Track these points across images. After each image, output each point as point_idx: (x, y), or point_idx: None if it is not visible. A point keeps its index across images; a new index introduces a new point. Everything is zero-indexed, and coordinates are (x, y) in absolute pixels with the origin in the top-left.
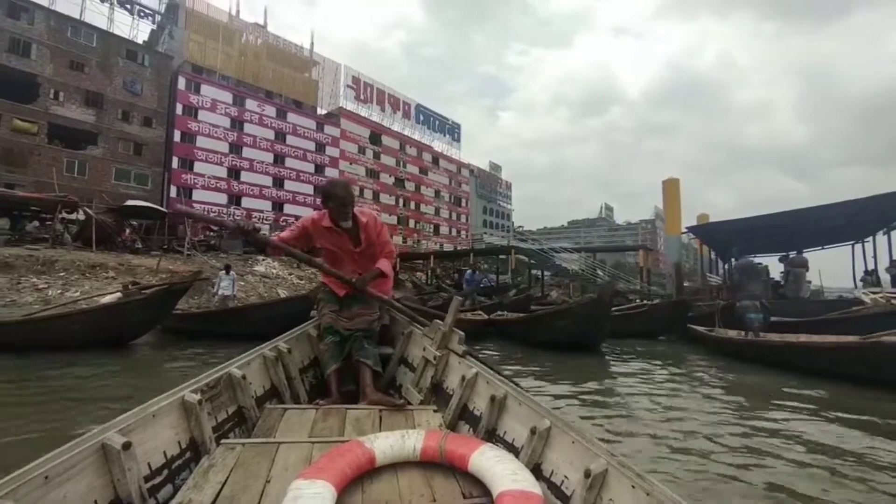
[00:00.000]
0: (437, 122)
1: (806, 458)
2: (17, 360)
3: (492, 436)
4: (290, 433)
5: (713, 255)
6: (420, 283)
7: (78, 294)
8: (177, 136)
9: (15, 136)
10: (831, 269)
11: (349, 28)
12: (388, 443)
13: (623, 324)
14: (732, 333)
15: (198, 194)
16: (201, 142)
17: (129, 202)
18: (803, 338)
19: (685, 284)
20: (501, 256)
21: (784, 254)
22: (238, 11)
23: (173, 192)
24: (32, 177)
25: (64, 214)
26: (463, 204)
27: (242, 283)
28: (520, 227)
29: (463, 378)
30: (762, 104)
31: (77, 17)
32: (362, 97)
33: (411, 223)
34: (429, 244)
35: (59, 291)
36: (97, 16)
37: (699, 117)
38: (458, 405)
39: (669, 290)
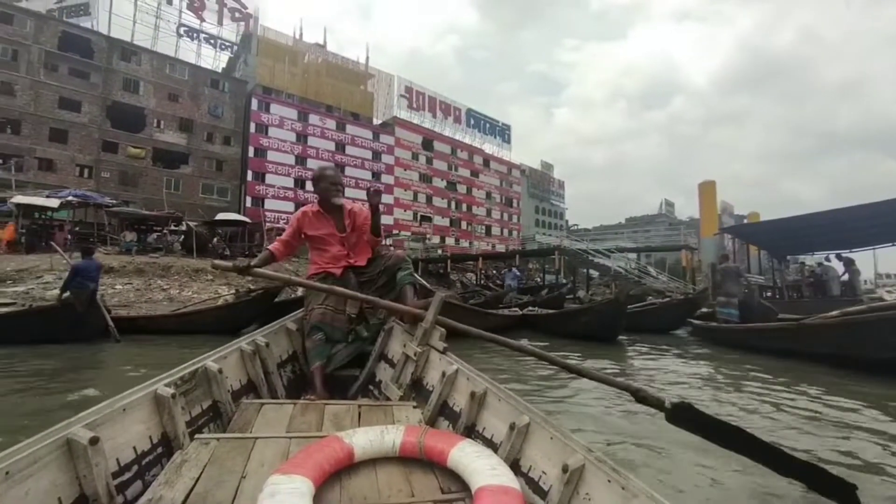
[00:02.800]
0: (487, 125)
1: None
2: (170, 340)
3: (471, 432)
4: (267, 428)
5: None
6: (469, 283)
7: (190, 293)
8: (251, 151)
9: (128, 160)
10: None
11: (404, 36)
12: (367, 438)
13: (639, 320)
14: (714, 325)
15: (269, 203)
16: (271, 156)
17: (220, 215)
18: (758, 325)
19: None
20: (551, 257)
21: (836, 252)
22: (301, 34)
23: (248, 202)
24: (142, 194)
25: (172, 227)
26: (514, 204)
27: None
28: (574, 225)
29: (443, 374)
30: (855, 81)
31: (173, 54)
32: (415, 105)
33: (463, 225)
34: (480, 245)
35: (177, 291)
36: (188, 52)
37: (778, 101)
38: (437, 401)
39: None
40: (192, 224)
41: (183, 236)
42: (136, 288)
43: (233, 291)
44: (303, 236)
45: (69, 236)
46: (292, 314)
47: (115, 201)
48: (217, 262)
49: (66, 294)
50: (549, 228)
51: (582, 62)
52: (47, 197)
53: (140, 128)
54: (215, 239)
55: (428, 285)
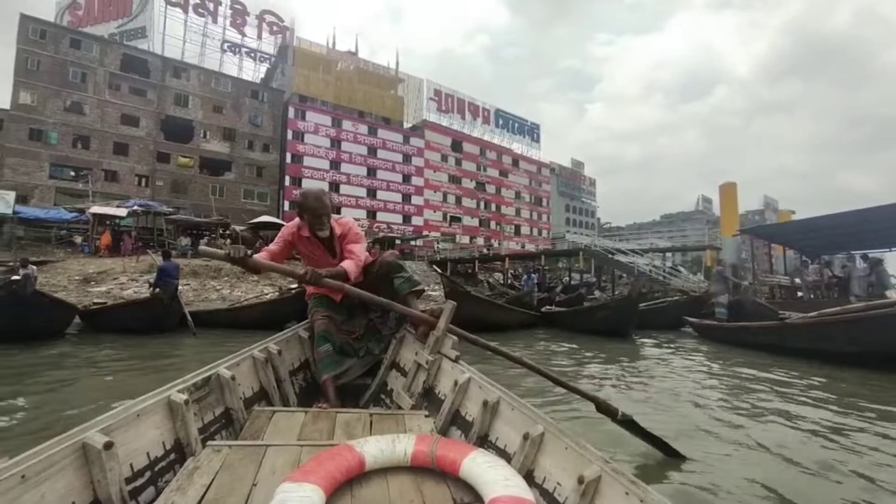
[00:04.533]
0: (516, 125)
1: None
2: (221, 332)
3: (484, 441)
4: (279, 436)
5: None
6: (495, 283)
7: (239, 293)
8: (288, 157)
9: (179, 169)
10: None
11: (434, 37)
12: (378, 447)
13: (651, 317)
14: (707, 322)
15: None
16: (307, 161)
17: (263, 218)
18: (748, 324)
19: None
20: (574, 258)
21: (863, 252)
22: (334, 43)
23: (286, 206)
24: (191, 200)
25: (221, 231)
26: (544, 203)
27: None
28: (607, 223)
29: (455, 383)
30: None
31: (217, 69)
32: (444, 108)
33: (492, 225)
34: (509, 245)
35: (228, 291)
36: (231, 65)
37: (832, 87)
38: (449, 410)
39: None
40: (238, 229)
41: (229, 240)
42: (193, 289)
43: (276, 291)
44: (294, 252)
45: (134, 241)
46: (305, 322)
47: (171, 209)
48: (204, 248)
49: (157, 290)
50: (581, 227)
51: (615, 56)
52: (117, 206)
53: (189, 139)
54: (258, 242)
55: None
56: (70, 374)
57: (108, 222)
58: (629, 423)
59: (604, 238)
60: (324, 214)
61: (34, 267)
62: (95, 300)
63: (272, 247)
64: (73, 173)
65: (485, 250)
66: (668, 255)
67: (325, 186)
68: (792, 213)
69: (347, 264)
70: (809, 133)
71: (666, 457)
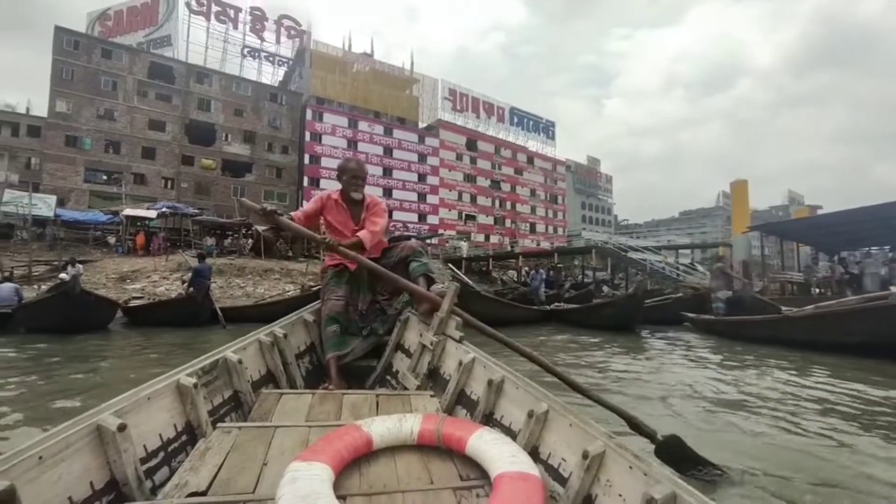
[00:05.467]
0: (531, 123)
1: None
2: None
3: (489, 420)
4: (287, 417)
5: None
6: (508, 280)
7: (262, 290)
8: (306, 159)
9: (202, 171)
10: None
11: (450, 36)
12: (385, 426)
13: (655, 313)
14: (704, 317)
15: None
16: (325, 162)
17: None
18: (745, 318)
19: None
20: (587, 256)
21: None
22: (350, 46)
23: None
24: (214, 201)
25: (244, 232)
26: (559, 201)
27: None
28: (624, 220)
29: (460, 363)
30: None
31: (238, 73)
32: (458, 107)
33: (507, 223)
34: (524, 243)
35: (252, 288)
36: (250, 70)
37: (866, 75)
38: (455, 390)
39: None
40: (260, 229)
41: (251, 240)
42: (219, 286)
43: (298, 288)
44: (321, 219)
45: (162, 241)
46: (309, 306)
47: (196, 210)
48: (243, 200)
49: (191, 289)
50: (597, 224)
51: (633, 51)
52: (147, 209)
53: (211, 142)
54: (279, 242)
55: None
56: (123, 355)
57: (138, 224)
58: (673, 446)
59: (620, 235)
60: (360, 177)
61: (80, 266)
62: (134, 296)
63: (303, 209)
64: (105, 177)
65: (509, 247)
66: (688, 251)
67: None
68: (818, 209)
69: (363, 233)
70: (840, 125)
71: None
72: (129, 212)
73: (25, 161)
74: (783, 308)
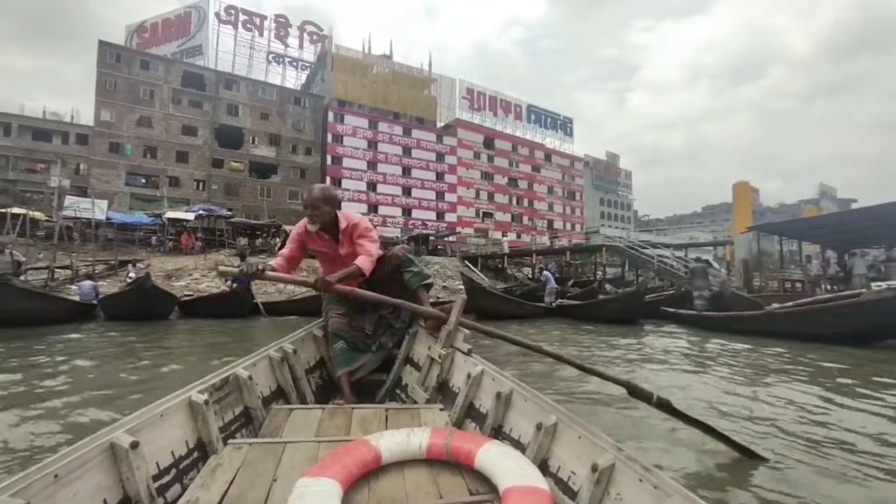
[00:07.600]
0: (548, 119)
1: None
2: (282, 320)
3: (498, 433)
4: (297, 433)
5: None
6: (522, 278)
7: (292, 287)
8: (328, 160)
9: (231, 174)
10: None
11: (469, 32)
12: (393, 441)
13: (655, 307)
14: (682, 311)
15: (345, 206)
16: (346, 162)
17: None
18: (735, 314)
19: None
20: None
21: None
22: (370, 48)
23: None
24: (242, 202)
25: (273, 231)
26: (577, 198)
27: None
28: (645, 216)
29: (469, 376)
30: None
31: (263, 79)
32: (476, 106)
33: (525, 220)
34: (539, 239)
35: (283, 285)
36: (275, 75)
37: None
38: (464, 403)
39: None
40: (286, 229)
41: (279, 241)
42: (254, 283)
43: None
44: (310, 250)
45: (198, 241)
46: (318, 321)
47: (229, 212)
48: (222, 267)
49: (234, 285)
50: (616, 220)
51: (656, 42)
52: (185, 211)
53: (239, 145)
54: None
55: (485, 278)
56: (194, 337)
57: (178, 225)
58: (666, 407)
59: (640, 231)
60: (312, 205)
61: (141, 265)
62: (185, 292)
63: (285, 251)
64: (143, 180)
65: (548, 242)
66: (710, 248)
67: (362, 186)
68: (853, 202)
69: (360, 260)
70: (881, 113)
71: (706, 436)
72: (170, 214)
73: (75, 167)
74: (775, 305)
